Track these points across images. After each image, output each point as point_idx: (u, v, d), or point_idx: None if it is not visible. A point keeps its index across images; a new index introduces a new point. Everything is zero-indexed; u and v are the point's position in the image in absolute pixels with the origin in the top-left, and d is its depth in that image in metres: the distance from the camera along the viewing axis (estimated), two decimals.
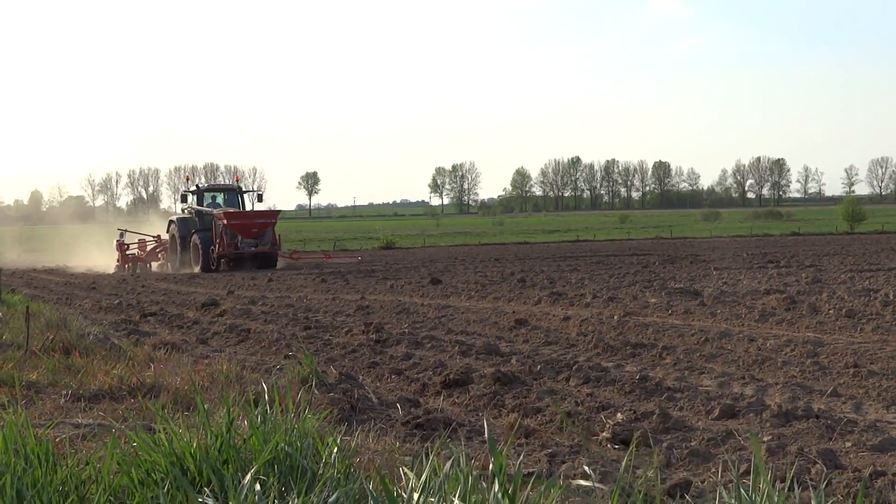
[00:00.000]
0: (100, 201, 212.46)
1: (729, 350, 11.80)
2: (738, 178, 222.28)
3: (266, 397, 4.87)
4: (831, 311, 15.08)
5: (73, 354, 10.45)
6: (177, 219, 44.46)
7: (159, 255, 46.96)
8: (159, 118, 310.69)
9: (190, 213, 44.21)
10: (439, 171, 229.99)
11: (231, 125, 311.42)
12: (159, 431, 4.39)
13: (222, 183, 48.56)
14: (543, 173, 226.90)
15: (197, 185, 46.44)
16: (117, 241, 48.43)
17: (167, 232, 45.57)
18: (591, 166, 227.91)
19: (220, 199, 45.05)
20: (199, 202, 44.35)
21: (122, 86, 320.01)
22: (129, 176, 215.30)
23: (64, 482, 3.98)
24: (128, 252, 47.65)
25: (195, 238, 41.73)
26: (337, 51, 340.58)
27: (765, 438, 6.90)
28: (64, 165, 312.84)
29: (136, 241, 48.63)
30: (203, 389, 7.97)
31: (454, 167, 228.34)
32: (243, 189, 46.19)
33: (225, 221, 40.29)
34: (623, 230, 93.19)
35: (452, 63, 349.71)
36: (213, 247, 40.51)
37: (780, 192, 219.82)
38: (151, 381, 8.56)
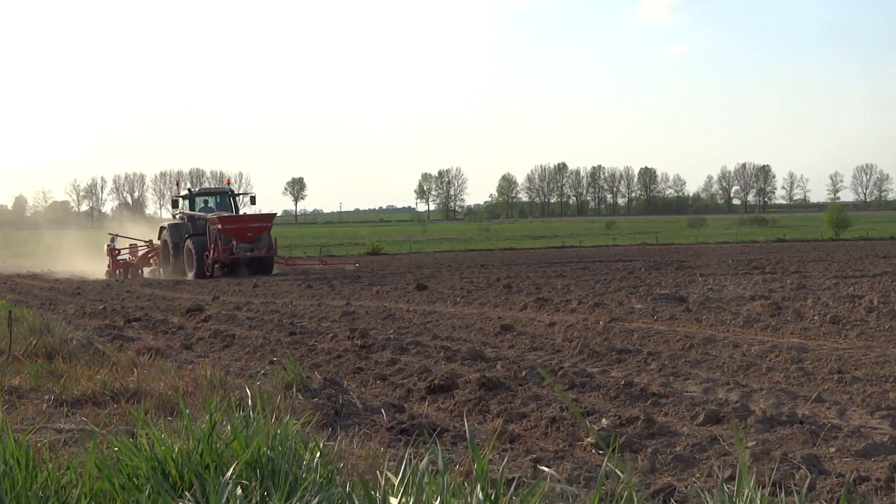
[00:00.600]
0: (85, 206, 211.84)
1: (714, 356, 11.82)
2: (724, 184, 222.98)
3: (249, 402, 4.85)
4: (816, 317, 15.12)
5: (56, 359, 10.39)
6: (168, 225, 43.37)
7: (151, 261, 45.78)
8: (145, 123, 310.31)
9: (182, 218, 43.17)
10: (425, 177, 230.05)
11: (217, 130, 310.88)
12: (141, 436, 4.37)
13: (214, 186, 46.69)
14: (530, 179, 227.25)
15: (189, 190, 45.26)
16: (108, 245, 47.26)
17: (159, 238, 44.42)
18: (578, 172, 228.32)
19: (211, 202, 43.80)
20: (192, 207, 43.26)
21: (108, 90, 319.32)
22: (115, 181, 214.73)
23: (44, 487, 3.96)
24: (119, 257, 46.50)
25: (189, 243, 40.78)
26: (323, 56, 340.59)
27: (749, 444, 6.91)
28: (48, 170, 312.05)
29: (128, 246, 47.43)
30: (187, 394, 7.94)
31: (440, 173, 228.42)
32: (235, 192, 45.09)
33: (219, 226, 39.26)
34: (609, 236, 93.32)
35: (439, 69, 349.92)
36: (207, 252, 39.62)
37: (766, 199, 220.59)
38: (135, 386, 8.53)
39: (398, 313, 18.86)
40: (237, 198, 45.04)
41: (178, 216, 43.96)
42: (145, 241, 47.25)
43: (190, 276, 40.11)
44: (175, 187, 48.98)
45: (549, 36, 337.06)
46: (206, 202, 44.04)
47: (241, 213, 43.90)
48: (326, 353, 12.60)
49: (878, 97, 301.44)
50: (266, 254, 40.21)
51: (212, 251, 39.44)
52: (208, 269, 39.55)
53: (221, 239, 39.31)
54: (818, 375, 10.16)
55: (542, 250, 65.79)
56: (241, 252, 39.51)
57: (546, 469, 3.58)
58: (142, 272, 45.74)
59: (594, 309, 18.00)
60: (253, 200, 47.10)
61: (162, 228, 44.32)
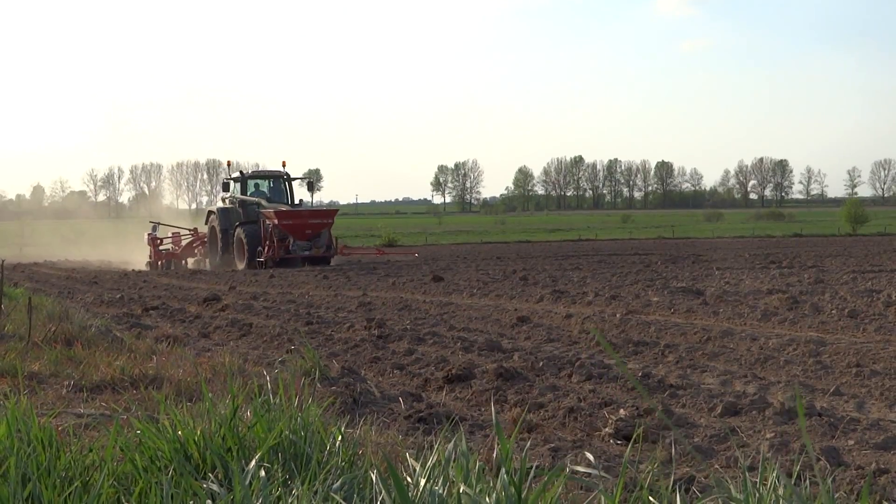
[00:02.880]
0: (102, 196, 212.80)
1: (731, 349, 11.79)
2: (741, 178, 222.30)
3: (269, 387, 4.87)
4: (834, 311, 15.06)
5: (75, 346, 10.45)
6: (218, 210, 39.75)
7: (196, 251, 42.92)
8: (161, 113, 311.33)
9: (232, 203, 39.62)
10: (442, 170, 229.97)
11: (234, 121, 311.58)
12: (163, 419, 4.39)
13: (268, 169, 42.69)
14: (546, 172, 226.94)
15: (241, 172, 41.78)
16: (149, 235, 44.47)
17: (206, 224, 41.12)
18: (594, 166, 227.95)
19: (264, 186, 40.23)
20: (243, 191, 39.60)
21: (124, 80, 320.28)
22: (132, 172, 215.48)
23: (68, 468, 3.98)
24: (161, 247, 43.82)
25: (239, 232, 37.62)
26: (340, 47, 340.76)
27: (767, 436, 6.90)
28: (66, 160, 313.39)
29: (170, 234, 44.71)
30: (205, 381, 7.97)
31: (457, 165, 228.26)
32: (292, 176, 41.10)
33: (276, 221, 36.01)
34: (625, 230, 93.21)
35: (456, 61, 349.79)
36: (260, 248, 36.62)
37: (783, 194, 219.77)
38: (153, 372, 8.56)
39: (414, 304, 18.87)
40: (292, 183, 40.80)
41: (228, 201, 40.07)
42: (189, 230, 44.31)
43: (240, 266, 36.92)
44: (227, 168, 44.34)
45: (567, 28, 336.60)
46: (257, 186, 40.28)
47: (296, 201, 40.18)
48: (343, 343, 12.62)
49: None
50: (325, 253, 37.03)
51: (266, 248, 36.21)
52: (263, 264, 36.21)
53: (277, 234, 36.08)
54: (836, 369, 10.12)
55: (558, 243, 65.74)
56: (297, 250, 36.28)
57: (588, 455, 3.58)
58: (186, 263, 42.93)
59: (611, 301, 17.97)
60: (311, 187, 42.41)
61: (210, 213, 40.79)
